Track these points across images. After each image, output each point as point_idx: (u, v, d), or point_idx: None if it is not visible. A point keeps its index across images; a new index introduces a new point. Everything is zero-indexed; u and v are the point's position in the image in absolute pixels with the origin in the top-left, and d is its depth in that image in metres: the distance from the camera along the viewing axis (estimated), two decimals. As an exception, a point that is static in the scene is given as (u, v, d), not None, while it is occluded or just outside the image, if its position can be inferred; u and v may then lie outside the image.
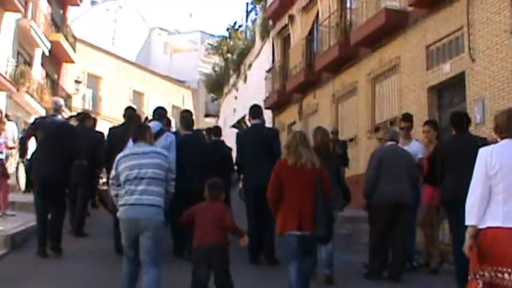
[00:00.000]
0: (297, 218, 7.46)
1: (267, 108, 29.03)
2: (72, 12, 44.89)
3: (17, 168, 11.75)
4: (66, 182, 10.76)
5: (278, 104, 30.10)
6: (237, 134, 11.54)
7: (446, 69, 16.39)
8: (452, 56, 16.22)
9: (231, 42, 44.99)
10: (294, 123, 28.72)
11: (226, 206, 8.09)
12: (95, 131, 14.00)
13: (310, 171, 7.62)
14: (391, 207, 9.81)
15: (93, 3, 62.91)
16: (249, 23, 43.34)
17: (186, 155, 9.95)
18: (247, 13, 44.12)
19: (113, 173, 7.50)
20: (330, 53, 23.13)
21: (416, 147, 11.08)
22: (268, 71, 32.07)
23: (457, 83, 15.92)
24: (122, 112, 11.84)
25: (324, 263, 9.25)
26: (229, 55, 44.72)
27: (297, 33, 28.53)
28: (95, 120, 15.12)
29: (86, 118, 13.91)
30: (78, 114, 14.94)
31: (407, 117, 11.69)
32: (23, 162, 10.89)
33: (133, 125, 8.77)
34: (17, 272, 9.38)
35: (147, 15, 65.73)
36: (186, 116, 11.38)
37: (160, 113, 11.02)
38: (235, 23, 46.41)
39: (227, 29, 46.42)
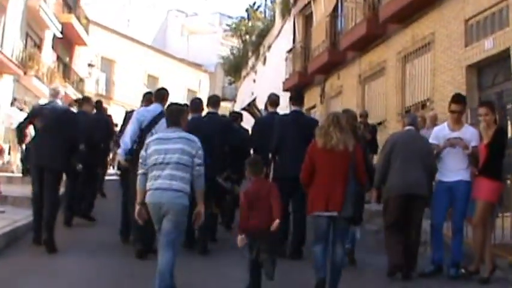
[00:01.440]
0: (325, 199, 7.58)
1: (285, 90, 28.09)
2: None
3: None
4: (63, 172, 10.74)
5: (297, 86, 28.37)
6: (265, 120, 11.49)
7: (488, 46, 14.83)
8: (495, 31, 14.66)
9: (250, 23, 44.47)
10: (313, 106, 27.91)
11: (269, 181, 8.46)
12: (99, 115, 14.22)
13: (341, 153, 7.67)
14: (402, 198, 9.24)
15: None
16: (268, 2, 42.88)
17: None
18: (267, -8, 42.94)
19: (142, 153, 7.60)
20: (357, 31, 21.84)
21: (470, 133, 9.67)
22: (288, 52, 30.97)
23: (501, 60, 14.42)
24: (137, 96, 11.71)
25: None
26: (247, 37, 44.15)
27: (320, 11, 27.32)
28: (100, 104, 15.01)
29: (84, 102, 14.12)
30: (79, 99, 15.24)
31: (460, 99, 10.03)
32: (21, 149, 11.17)
33: (167, 109, 8.42)
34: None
35: None
36: (194, 100, 11.27)
37: (161, 94, 10.50)
38: (254, 3, 45.80)
39: (246, 10, 45.72)
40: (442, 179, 9.63)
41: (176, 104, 8.69)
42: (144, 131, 9.64)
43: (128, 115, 11.24)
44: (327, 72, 25.96)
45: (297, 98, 11.13)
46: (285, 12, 33.25)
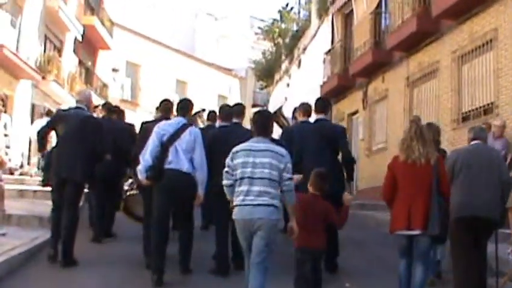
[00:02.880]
0: (406, 217, 7.50)
1: (324, 95, 26.62)
2: None
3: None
4: (84, 184, 10.45)
5: (337, 90, 27.43)
6: (293, 129, 11.24)
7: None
8: None
9: (283, 25, 43.10)
10: (355, 112, 26.30)
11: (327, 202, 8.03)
12: (122, 123, 13.47)
13: (423, 167, 7.56)
14: (467, 222, 8.32)
15: (135, -12, 62.35)
16: (303, 2, 41.10)
17: (220, 150, 9.01)
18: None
19: (228, 162, 7.38)
20: (405, 28, 20.01)
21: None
22: (327, 53, 29.33)
23: None
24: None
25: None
26: (280, 39, 42.91)
27: (362, 8, 25.63)
28: (122, 112, 14.14)
29: (112, 110, 13.44)
30: (105, 104, 14.55)
31: None
32: (42, 156, 11.17)
33: (256, 116, 7.85)
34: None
35: None
36: (224, 107, 11.16)
37: (185, 106, 9.83)
38: (287, 4, 43.89)
39: (278, 11, 43.99)
40: None
41: (265, 111, 8.58)
42: (165, 146, 9.08)
43: (144, 126, 10.69)
44: (370, 74, 24.24)
45: (320, 105, 10.65)
46: (322, 11, 31.76)
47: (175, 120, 9.52)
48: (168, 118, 9.99)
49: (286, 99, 36.98)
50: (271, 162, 7.18)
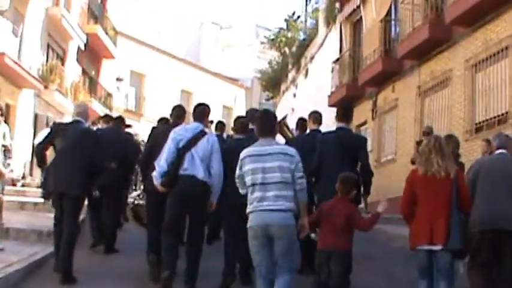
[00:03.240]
0: (427, 232, 7.33)
1: (331, 106, 26.06)
2: (114, 3, 43.27)
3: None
4: (84, 197, 10.29)
5: (346, 100, 25.79)
6: (311, 138, 10.56)
7: None
8: None
9: (289, 34, 42.61)
10: (364, 123, 25.71)
11: (353, 204, 8.14)
12: (124, 132, 13.61)
13: (443, 180, 7.39)
14: (489, 235, 8.05)
15: (139, -4, 62.70)
16: (309, 10, 40.98)
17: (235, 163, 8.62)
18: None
19: (237, 172, 7.38)
20: (417, 36, 19.49)
21: None
22: (335, 62, 28.79)
23: None
24: (168, 112, 10.89)
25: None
26: (286, 49, 42.41)
27: (371, 15, 25.01)
28: (123, 121, 14.16)
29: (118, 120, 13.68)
30: (106, 116, 14.71)
31: None
32: (42, 171, 11.03)
33: (260, 116, 7.78)
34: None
35: (197, 7, 64.30)
36: (240, 119, 10.62)
37: (202, 111, 9.70)
38: (293, 13, 43.52)
39: (285, 20, 43.63)
40: None
41: (269, 110, 8.37)
42: (181, 152, 8.92)
43: (154, 131, 10.81)
44: (379, 83, 23.65)
45: (342, 113, 10.15)
46: (330, 19, 31.35)
47: (193, 126, 9.34)
48: (178, 125, 9.78)
49: (293, 110, 36.17)
50: (282, 165, 7.09)
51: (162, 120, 12.09)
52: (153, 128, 11.29)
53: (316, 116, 10.98)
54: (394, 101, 22.66)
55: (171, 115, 10.75)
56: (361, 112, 25.47)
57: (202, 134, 9.12)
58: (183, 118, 10.41)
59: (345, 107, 10.67)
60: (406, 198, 7.62)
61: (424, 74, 20.32)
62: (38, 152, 10.39)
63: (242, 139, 9.91)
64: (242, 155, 7.35)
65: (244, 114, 12.18)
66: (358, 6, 26.41)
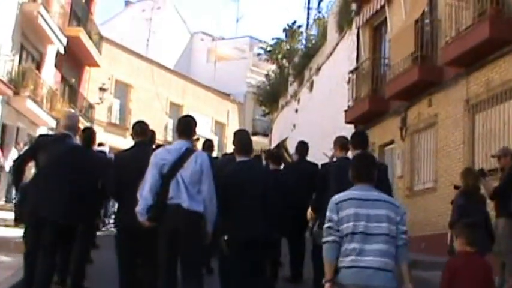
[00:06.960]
0: None
1: (348, 122, 23.87)
2: (102, 10, 42.30)
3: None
4: (76, 228, 9.51)
5: (365, 117, 23.53)
6: (328, 166, 10.92)
7: None
8: None
9: (288, 45, 40.95)
10: (390, 142, 22.29)
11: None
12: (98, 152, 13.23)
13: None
14: None
15: (127, 3, 62.06)
16: (311, 20, 39.53)
17: (243, 192, 8.50)
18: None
19: (333, 217, 6.45)
20: (468, 37, 15.99)
21: None
22: (351, 72, 25.63)
23: None
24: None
25: None
26: (285, 61, 40.99)
27: (399, 17, 21.81)
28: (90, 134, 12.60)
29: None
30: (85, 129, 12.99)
31: None
32: (17, 190, 11.23)
33: (359, 160, 7.18)
34: None
35: (189, 18, 64.00)
36: (243, 137, 9.67)
37: (188, 125, 8.84)
38: (294, 22, 41.62)
39: (283, 30, 41.79)
40: None
41: (366, 153, 8.45)
42: (165, 179, 8.07)
43: (118, 157, 10.07)
44: (411, 96, 20.21)
45: (358, 141, 10.17)
46: (344, 24, 28.49)
47: (176, 146, 8.62)
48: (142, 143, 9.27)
49: (294, 126, 35.33)
50: (389, 215, 6.43)
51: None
52: (116, 154, 10.59)
53: (343, 142, 10.72)
54: (432, 118, 19.27)
55: (134, 133, 9.90)
56: (386, 130, 22.41)
57: (189, 152, 8.40)
58: (145, 134, 9.64)
59: (359, 133, 11.09)
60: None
61: (475, 84, 16.91)
62: (15, 167, 9.85)
63: (247, 161, 9.30)
64: (339, 198, 6.56)
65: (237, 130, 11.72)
66: (382, 7, 23.23)
